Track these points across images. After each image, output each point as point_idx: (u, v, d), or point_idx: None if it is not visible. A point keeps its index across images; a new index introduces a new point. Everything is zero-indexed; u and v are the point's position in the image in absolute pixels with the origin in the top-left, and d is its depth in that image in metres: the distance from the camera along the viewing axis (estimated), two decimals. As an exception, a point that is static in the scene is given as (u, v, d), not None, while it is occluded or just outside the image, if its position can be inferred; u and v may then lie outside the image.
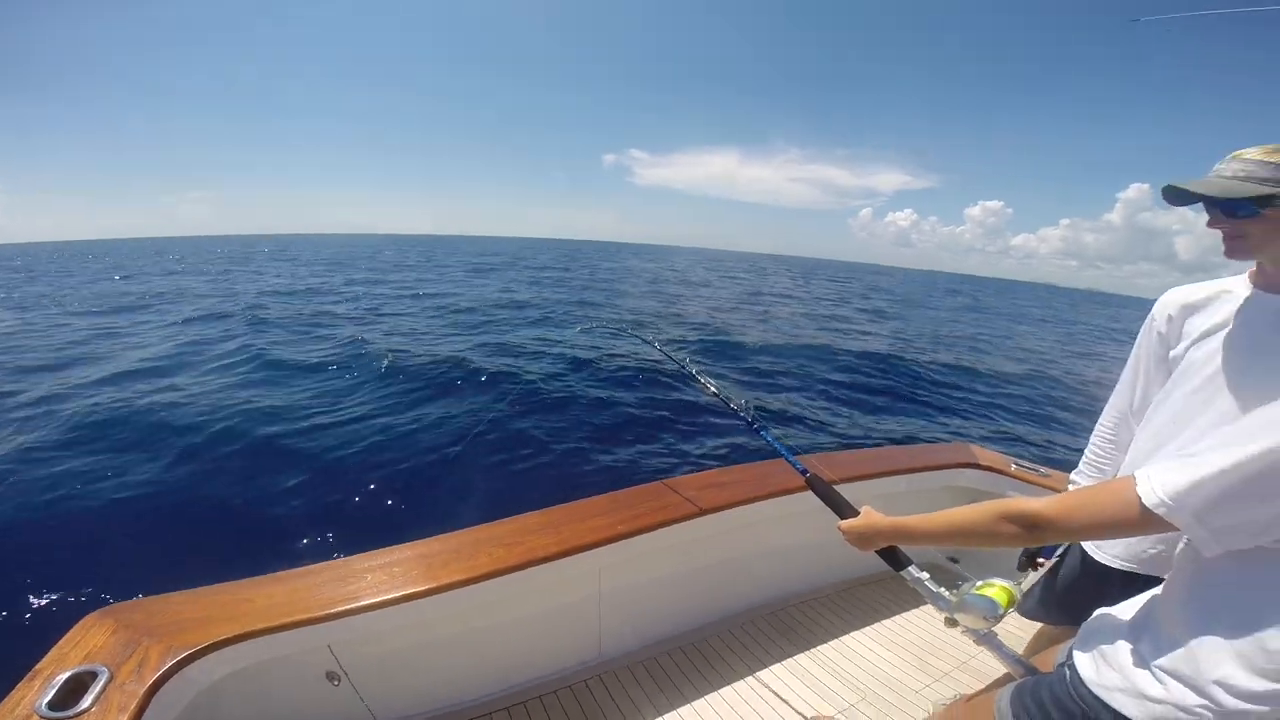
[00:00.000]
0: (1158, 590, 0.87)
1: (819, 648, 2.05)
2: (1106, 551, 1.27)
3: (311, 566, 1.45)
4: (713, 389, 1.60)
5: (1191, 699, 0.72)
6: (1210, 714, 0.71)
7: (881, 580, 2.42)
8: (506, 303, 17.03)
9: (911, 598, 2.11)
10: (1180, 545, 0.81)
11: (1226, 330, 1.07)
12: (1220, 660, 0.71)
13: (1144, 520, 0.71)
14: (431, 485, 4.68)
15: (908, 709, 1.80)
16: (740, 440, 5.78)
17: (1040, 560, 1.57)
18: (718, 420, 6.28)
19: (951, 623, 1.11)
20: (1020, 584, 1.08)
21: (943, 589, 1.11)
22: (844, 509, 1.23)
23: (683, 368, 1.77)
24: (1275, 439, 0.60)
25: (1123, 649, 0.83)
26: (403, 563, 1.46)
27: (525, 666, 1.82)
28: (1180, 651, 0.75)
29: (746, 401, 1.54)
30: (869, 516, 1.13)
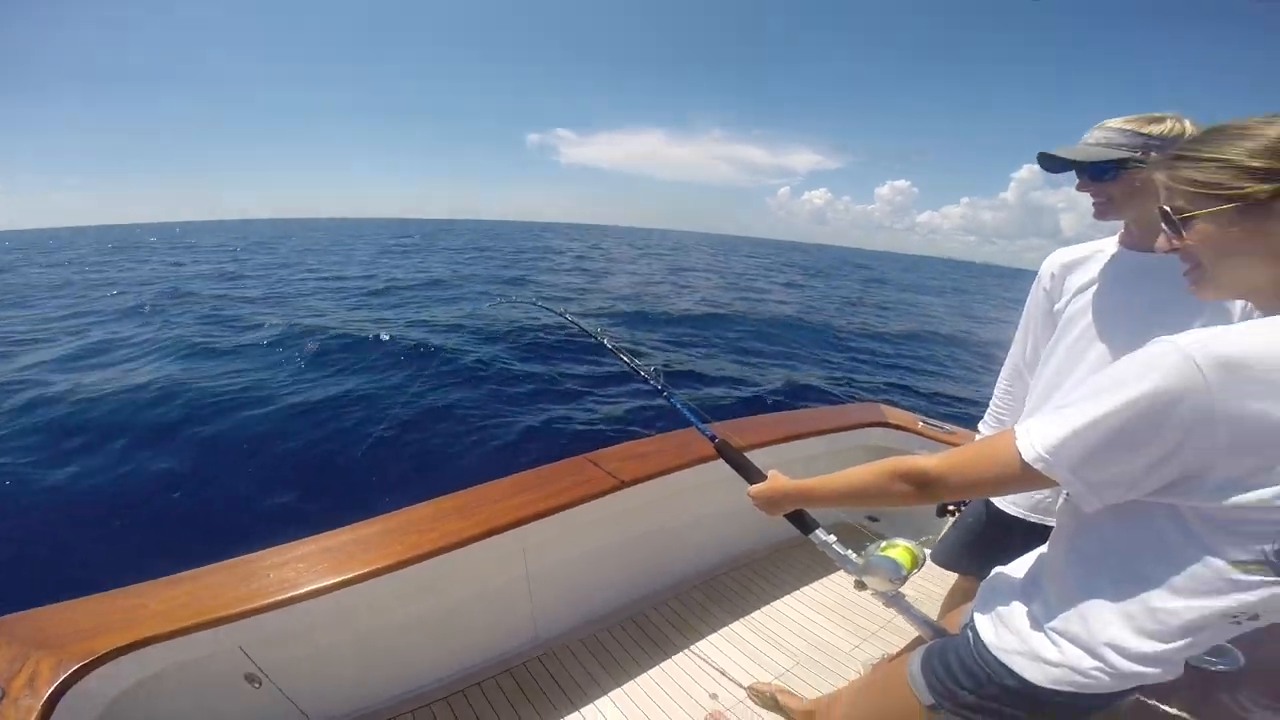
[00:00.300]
0: (1045, 547, 0.86)
1: (753, 614, 2.09)
2: (1008, 500, 1.31)
3: (212, 566, 1.38)
4: (624, 358, 1.56)
5: (1086, 662, 0.72)
6: (1106, 676, 0.71)
7: (805, 543, 2.51)
8: (423, 282, 16.40)
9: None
10: (1060, 500, 0.81)
11: (1098, 285, 1.15)
12: (1108, 621, 0.70)
13: (1025, 475, 0.68)
14: (345, 471, 4.47)
15: (840, 670, 1.85)
16: (657, 410, 5.83)
17: (951, 508, 1.61)
18: (635, 391, 6.29)
19: (860, 585, 1.10)
20: (924, 543, 1.09)
21: (850, 551, 1.10)
22: (752, 474, 1.21)
23: (594, 337, 1.72)
24: (1141, 387, 0.58)
25: (1018, 610, 0.82)
26: (308, 557, 1.39)
27: (461, 653, 1.78)
28: (1071, 613, 0.74)
29: (657, 369, 1.51)
30: (775, 480, 1.11)
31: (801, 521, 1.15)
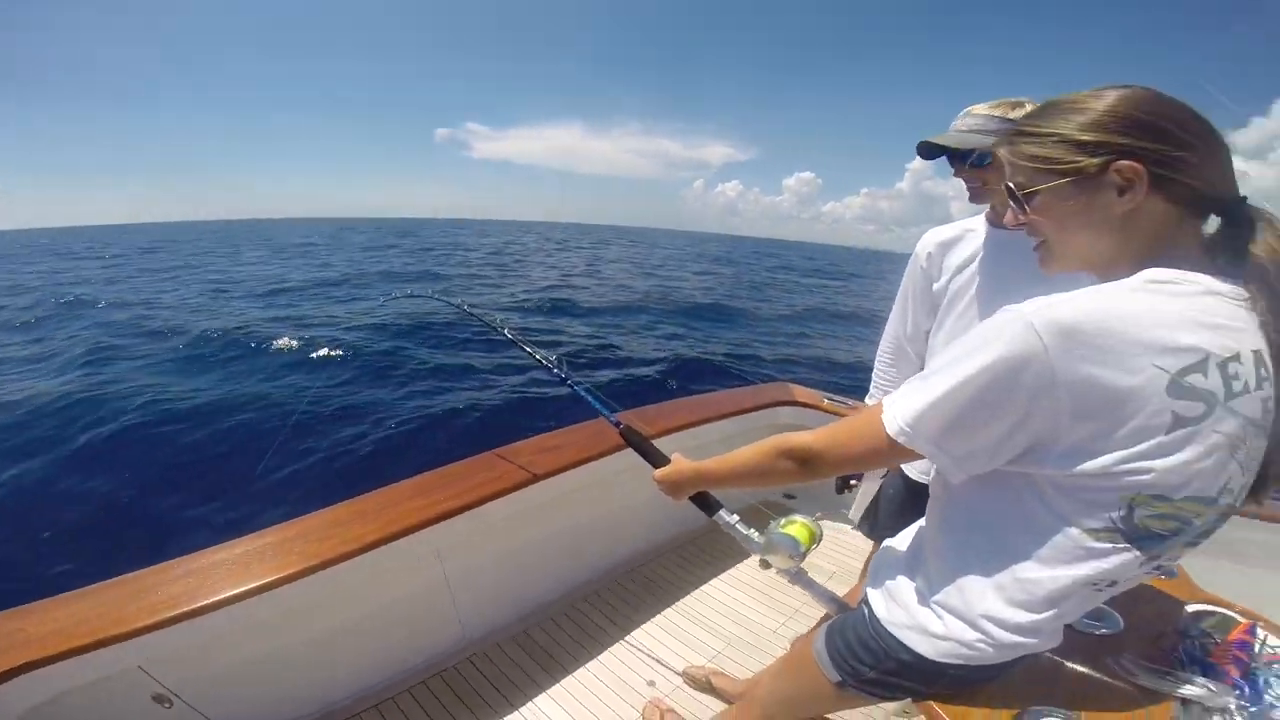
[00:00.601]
0: (924, 519, 0.87)
1: (683, 600, 2.10)
2: (915, 467, 1.35)
3: (102, 584, 1.31)
4: (526, 348, 1.51)
5: (969, 634, 0.72)
6: (989, 648, 0.71)
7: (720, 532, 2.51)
8: (322, 281, 15.39)
9: None
10: (932, 472, 0.83)
11: (975, 263, 1.22)
12: (983, 593, 0.71)
13: (893, 448, 0.67)
14: (241, 480, 4.16)
15: (769, 649, 1.87)
16: (566, 401, 5.82)
17: (853, 482, 1.66)
18: (543, 382, 6.19)
19: (765, 564, 1.10)
20: (819, 518, 1.10)
21: (752, 531, 1.10)
22: (657, 458, 1.18)
23: (494, 329, 1.64)
24: (988, 355, 0.58)
25: (905, 584, 0.83)
26: (205, 570, 1.32)
27: (387, 660, 1.72)
28: (950, 586, 0.74)
29: (559, 358, 1.47)
30: (677, 463, 1.08)
31: (705, 504, 1.14)
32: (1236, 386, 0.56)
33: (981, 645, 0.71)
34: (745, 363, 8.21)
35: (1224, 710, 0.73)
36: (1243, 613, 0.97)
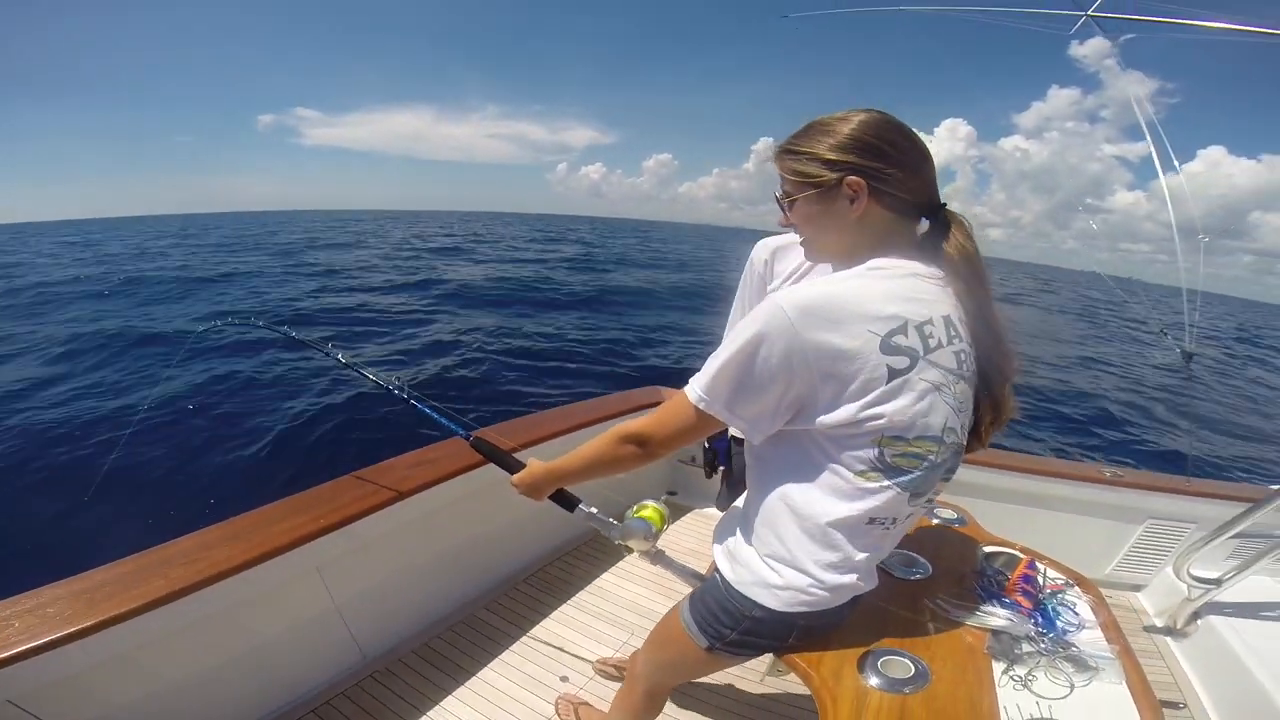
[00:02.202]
0: (748, 478, 0.96)
1: (579, 595, 2.15)
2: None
3: None
4: (365, 373, 1.46)
5: (802, 580, 0.84)
6: (822, 591, 0.83)
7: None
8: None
9: None
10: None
11: (800, 271, 1.39)
12: (798, 539, 0.83)
13: (701, 418, 0.80)
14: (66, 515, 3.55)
15: None
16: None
17: (723, 468, 1.84)
18: (389, 406, 5.74)
19: (626, 549, 1.19)
20: (666, 500, 1.23)
21: (611, 519, 1.18)
22: (512, 465, 1.22)
23: (327, 354, 1.56)
24: (749, 331, 0.72)
25: (742, 545, 0.92)
26: (56, 601, 1.22)
27: (284, 686, 1.66)
28: (773, 539, 0.86)
29: (400, 378, 1.44)
30: (531, 467, 1.14)
31: (565, 501, 1.20)
32: (932, 343, 0.74)
33: (815, 590, 0.83)
34: (621, 360, 8.29)
35: (1027, 637, 0.94)
36: (1023, 550, 1.23)
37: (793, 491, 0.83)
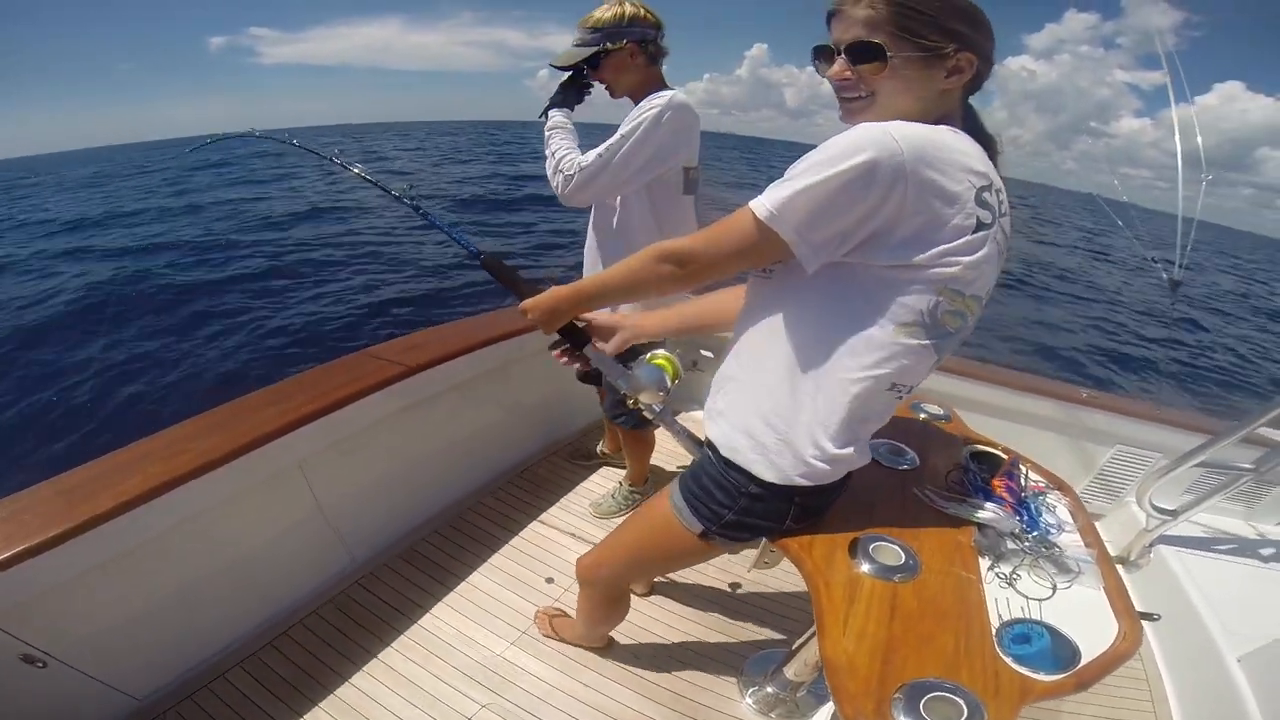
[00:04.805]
0: (745, 337, 0.90)
1: (567, 497, 2.16)
2: None
3: None
4: (372, 179, 1.32)
5: (805, 448, 0.82)
6: (822, 462, 0.82)
7: (598, 426, 2.51)
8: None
9: None
10: (750, 277, 0.90)
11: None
12: (809, 399, 0.81)
13: (763, 237, 0.74)
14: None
15: None
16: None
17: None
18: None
19: (634, 402, 1.12)
20: (679, 355, 1.14)
21: (624, 365, 1.11)
22: (524, 290, 1.07)
23: (333, 160, 1.41)
24: (861, 155, 0.67)
25: (738, 404, 0.88)
26: (35, 505, 1.13)
27: (276, 594, 1.65)
28: (778, 396, 0.83)
29: (410, 186, 1.31)
30: (554, 290, 1.03)
31: (576, 337, 1.09)
32: (1002, 208, 0.75)
33: (815, 461, 0.82)
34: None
35: (1013, 534, 0.96)
36: (1004, 451, 1.24)
37: (816, 340, 0.80)
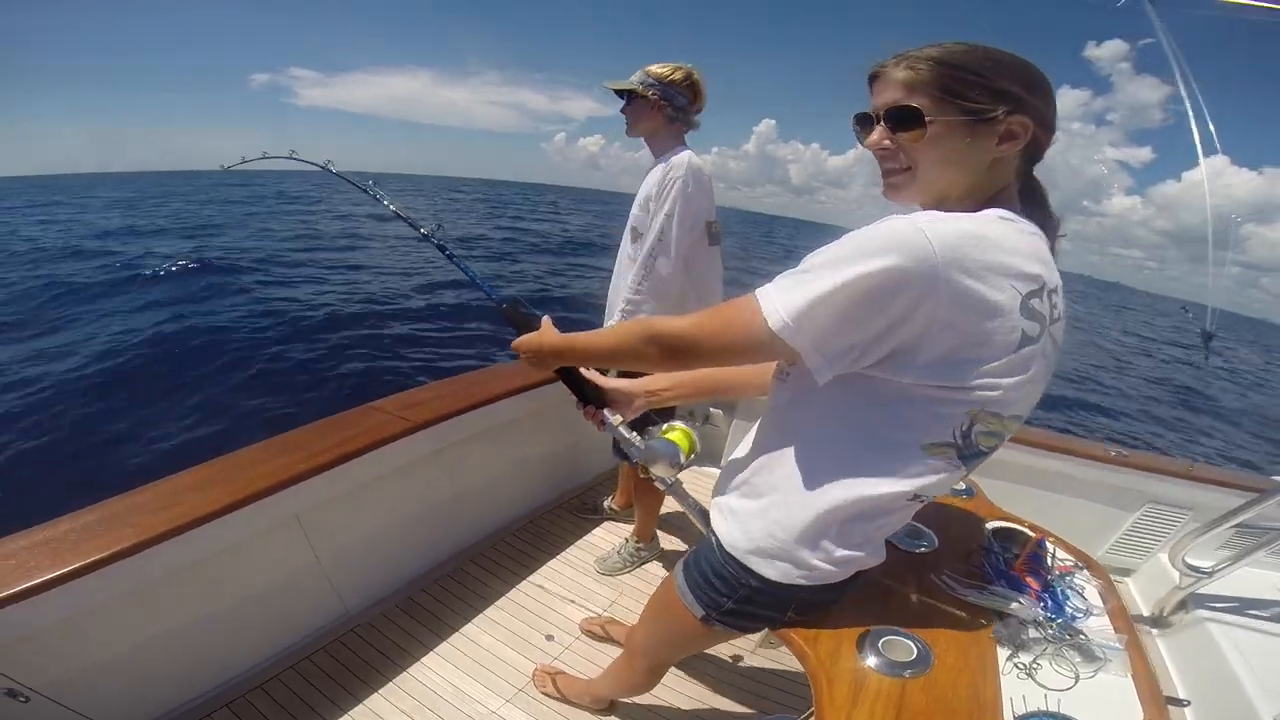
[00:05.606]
0: (756, 434, 0.86)
1: (568, 550, 2.12)
2: None
3: None
4: (401, 214, 1.34)
5: (809, 555, 0.77)
6: (826, 564, 0.77)
7: (607, 480, 2.52)
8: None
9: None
10: (772, 380, 0.85)
11: None
12: (822, 509, 0.75)
13: (770, 343, 0.65)
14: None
15: None
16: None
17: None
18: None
19: (644, 472, 1.08)
20: (696, 426, 1.11)
21: (634, 435, 1.08)
22: (526, 328, 1.05)
23: (367, 192, 1.44)
24: (888, 258, 0.58)
25: (745, 504, 0.84)
26: (19, 553, 1.14)
27: (268, 641, 1.64)
28: (789, 500, 0.77)
29: (440, 226, 1.32)
30: (544, 330, 0.99)
31: (579, 390, 1.09)
32: (1055, 314, 0.66)
33: (821, 564, 0.77)
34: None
35: (1035, 623, 0.90)
36: (1031, 528, 1.18)
37: (833, 455, 0.74)
